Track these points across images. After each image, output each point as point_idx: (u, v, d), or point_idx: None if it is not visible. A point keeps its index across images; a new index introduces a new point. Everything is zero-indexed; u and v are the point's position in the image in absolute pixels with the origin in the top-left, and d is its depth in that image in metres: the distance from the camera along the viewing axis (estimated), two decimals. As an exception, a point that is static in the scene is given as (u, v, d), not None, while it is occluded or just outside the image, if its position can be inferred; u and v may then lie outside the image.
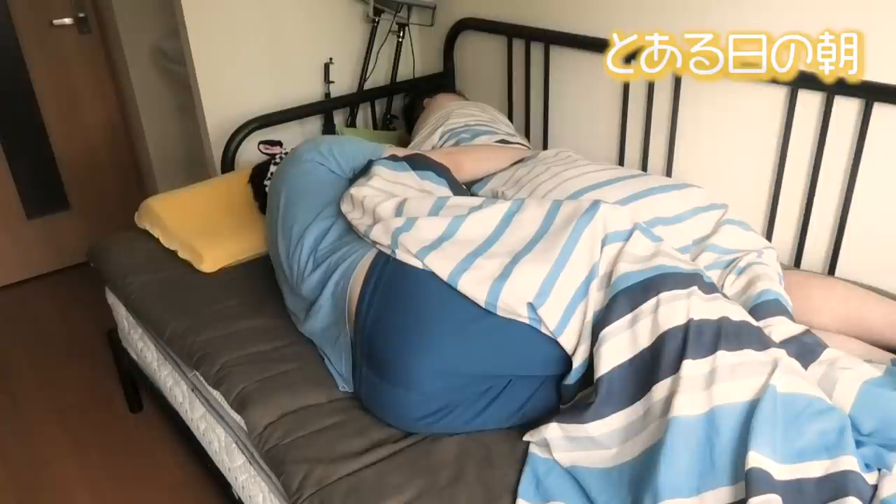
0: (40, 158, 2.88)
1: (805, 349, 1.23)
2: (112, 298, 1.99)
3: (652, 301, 1.21)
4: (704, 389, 1.12)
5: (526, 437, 1.27)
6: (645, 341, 1.20)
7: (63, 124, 2.88)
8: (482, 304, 1.25)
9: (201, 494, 1.92)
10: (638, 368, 1.20)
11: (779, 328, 1.27)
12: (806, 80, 1.60)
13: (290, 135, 2.43)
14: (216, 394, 1.52)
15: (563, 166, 1.68)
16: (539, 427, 1.25)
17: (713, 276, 1.44)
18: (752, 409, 1.09)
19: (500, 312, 1.25)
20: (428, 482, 1.19)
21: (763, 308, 1.31)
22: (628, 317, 1.22)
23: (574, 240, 1.29)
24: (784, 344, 1.25)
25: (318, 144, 1.66)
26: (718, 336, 1.16)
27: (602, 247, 1.29)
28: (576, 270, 1.28)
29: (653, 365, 1.18)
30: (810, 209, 1.69)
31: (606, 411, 1.19)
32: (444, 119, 2.02)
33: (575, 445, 1.21)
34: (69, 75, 2.83)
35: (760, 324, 1.30)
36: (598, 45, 1.99)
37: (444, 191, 1.62)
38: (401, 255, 1.33)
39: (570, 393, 1.28)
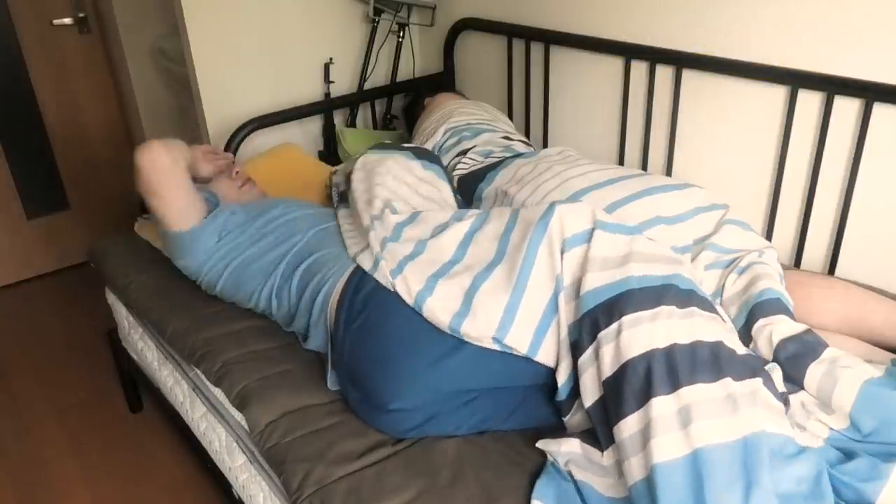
0: (40, 158, 2.88)
1: (806, 347, 1.23)
2: (112, 298, 1.99)
3: (614, 326, 1.14)
4: (681, 429, 1.03)
5: (540, 445, 1.24)
6: (607, 370, 1.13)
7: (63, 124, 2.88)
8: (447, 330, 1.25)
9: (201, 494, 1.92)
10: (606, 405, 1.14)
11: (780, 327, 1.28)
12: (806, 80, 1.60)
13: (291, 134, 2.43)
14: (217, 393, 1.52)
15: (565, 165, 1.69)
16: (560, 438, 1.22)
17: (714, 275, 1.44)
18: (736, 450, 1.01)
19: (466, 339, 1.25)
20: (427, 483, 1.19)
21: (764, 307, 1.32)
22: (593, 346, 1.16)
23: (531, 259, 1.25)
24: (785, 342, 1.25)
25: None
26: (692, 364, 1.08)
27: (562, 254, 1.25)
28: (538, 293, 1.24)
29: (615, 399, 1.11)
30: (810, 209, 1.69)
31: (603, 444, 1.16)
32: (447, 117, 2.03)
33: (590, 466, 1.18)
34: (69, 75, 2.83)
35: (761, 322, 1.30)
36: (598, 45, 1.99)
37: (444, 187, 1.64)
38: (379, 270, 1.35)
39: (568, 403, 1.25)
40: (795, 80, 1.62)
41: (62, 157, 2.91)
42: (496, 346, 1.24)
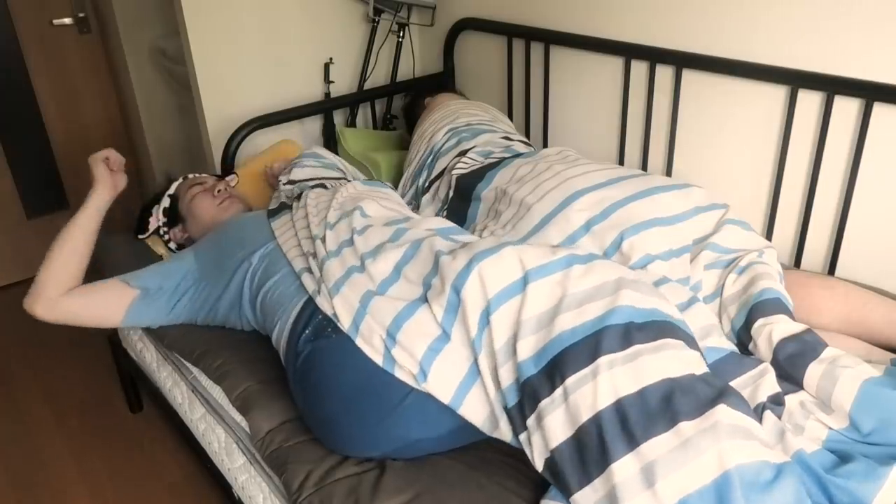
0: (40, 158, 2.87)
1: (806, 347, 1.23)
2: (112, 298, 1.99)
3: (558, 392, 1.08)
4: (648, 489, 0.98)
5: None
6: (558, 438, 1.07)
7: (63, 124, 2.88)
8: (381, 365, 1.22)
9: (201, 494, 1.91)
10: (560, 472, 1.06)
11: (779, 327, 1.27)
12: (806, 80, 1.60)
13: (291, 134, 2.43)
14: (216, 394, 1.52)
15: (565, 165, 1.69)
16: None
17: (713, 275, 1.44)
18: (709, 496, 0.96)
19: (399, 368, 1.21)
20: (425, 485, 1.19)
21: (764, 306, 1.32)
22: (535, 415, 1.10)
23: (450, 320, 1.20)
24: (785, 342, 1.25)
25: None
26: (645, 416, 1.02)
27: (489, 315, 1.17)
28: (456, 355, 1.19)
29: (571, 467, 1.05)
30: (810, 209, 1.69)
31: None
32: (448, 117, 2.03)
33: None
34: (69, 75, 2.83)
35: (761, 322, 1.30)
36: (598, 45, 1.99)
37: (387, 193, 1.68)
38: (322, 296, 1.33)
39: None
40: (795, 80, 1.62)
41: (62, 157, 2.91)
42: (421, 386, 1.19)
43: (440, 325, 1.21)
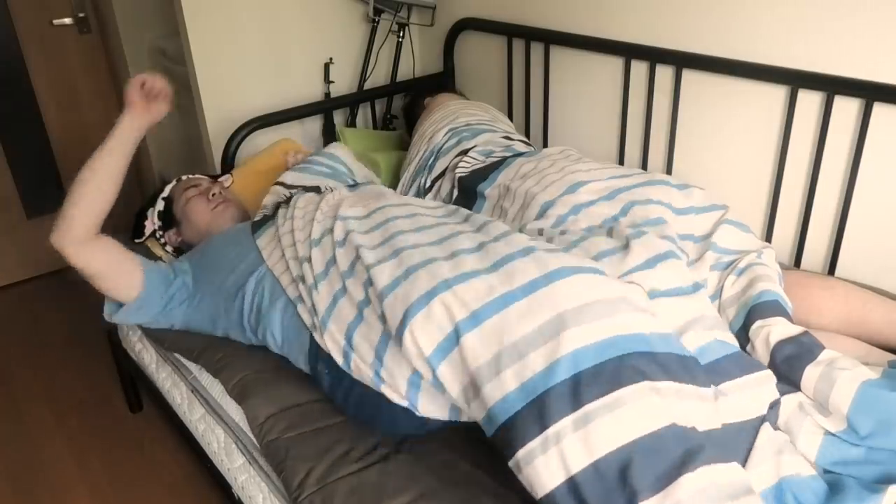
0: (40, 158, 2.88)
1: (803, 349, 1.23)
2: (112, 298, 1.99)
3: (512, 464, 1.03)
4: None
5: None
6: None
7: (63, 124, 2.88)
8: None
9: (201, 494, 1.91)
10: None
11: (777, 329, 1.27)
12: (806, 80, 1.60)
13: (291, 134, 2.43)
14: (216, 394, 1.52)
15: (567, 162, 1.71)
16: None
17: (713, 276, 1.44)
18: None
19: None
20: (428, 484, 1.19)
21: (762, 308, 1.31)
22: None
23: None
24: (782, 344, 1.25)
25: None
26: (601, 495, 0.93)
27: (434, 372, 1.13)
28: (434, 390, 1.19)
29: None
30: (810, 209, 1.69)
31: None
32: (448, 117, 2.03)
33: None
34: (69, 75, 2.83)
35: (759, 324, 1.29)
36: (598, 45, 1.99)
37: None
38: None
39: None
40: (795, 80, 1.61)
41: (62, 157, 2.91)
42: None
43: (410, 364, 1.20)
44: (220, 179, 1.90)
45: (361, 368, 1.26)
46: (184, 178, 1.89)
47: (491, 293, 1.13)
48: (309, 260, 1.40)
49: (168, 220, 1.82)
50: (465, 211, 1.48)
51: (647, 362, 1.04)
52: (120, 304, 1.56)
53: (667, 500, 0.90)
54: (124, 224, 2.01)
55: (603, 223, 1.52)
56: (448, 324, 1.12)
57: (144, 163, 3.00)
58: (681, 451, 0.95)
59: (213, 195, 1.79)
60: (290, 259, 1.44)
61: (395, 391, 1.22)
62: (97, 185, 1.44)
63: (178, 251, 1.86)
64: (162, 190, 1.85)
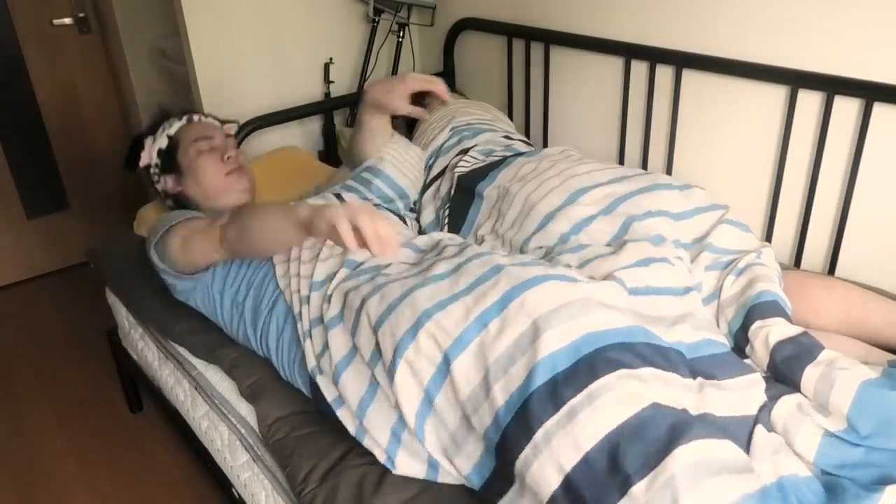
0: (40, 158, 2.88)
1: (802, 349, 1.23)
2: (112, 298, 1.99)
3: (517, 486, 1.02)
4: None
5: None
6: None
7: (63, 124, 2.88)
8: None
9: (201, 495, 1.92)
10: None
11: (776, 329, 1.27)
12: (806, 80, 1.60)
13: (291, 134, 2.43)
14: (222, 389, 1.52)
15: (568, 163, 1.70)
16: None
17: (712, 276, 1.44)
18: None
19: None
20: (430, 481, 1.19)
21: (761, 309, 1.31)
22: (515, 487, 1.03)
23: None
24: (781, 345, 1.25)
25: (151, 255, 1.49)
26: (595, 487, 0.92)
27: (431, 403, 1.11)
28: (415, 446, 1.17)
29: None
30: (810, 209, 1.69)
31: None
32: (450, 117, 2.03)
33: None
34: (69, 75, 2.83)
35: (758, 324, 1.29)
36: (598, 45, 1.99)
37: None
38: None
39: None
40: (795, 80, 1.62)
41: (62, 157, 2.91)
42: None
43: (395, 410, 1.17)
44: (225, 127, 1.73)
45: (346, 419, 1.26)
46: (194, 118, 1.70)
47: (469, 316, 1.12)
48: (308, 300, 1.36)
49: (169, 164, 1.63)
50: (445, 242, 1.43)
51: (622, 353, 1.04)
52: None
53: (660, 477, 0.88)
54: (123, 228, 2.01)
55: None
56: (438, 354, 1.12)
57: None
58: (666, 428, 0.93)
59: (229, 157, 1.62)
60: (293, 292, 1.40)
61: (376, 444, 1.20)
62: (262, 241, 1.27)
63: (175, 201, 1.68)
64: (166, 122, 1.66)
